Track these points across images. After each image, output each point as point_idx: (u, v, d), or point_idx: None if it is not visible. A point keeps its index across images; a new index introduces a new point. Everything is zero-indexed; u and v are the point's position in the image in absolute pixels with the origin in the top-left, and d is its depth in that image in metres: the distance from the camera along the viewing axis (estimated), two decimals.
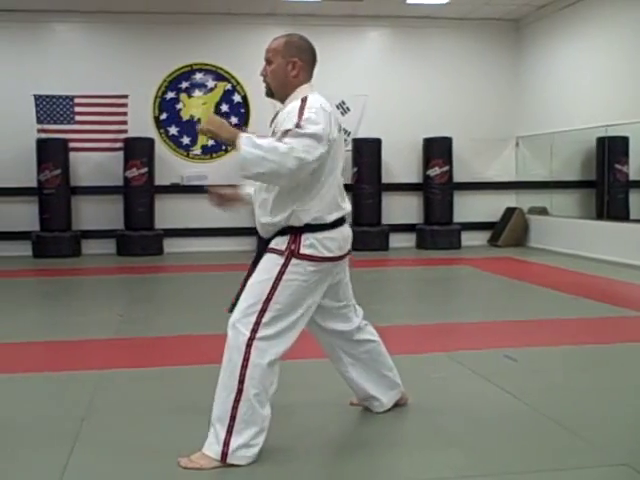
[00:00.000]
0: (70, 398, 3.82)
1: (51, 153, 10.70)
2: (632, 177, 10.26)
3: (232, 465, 2.88)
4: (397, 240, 11.56)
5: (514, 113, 11.81)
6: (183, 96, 11.41)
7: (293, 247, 2.98)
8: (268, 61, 3.20)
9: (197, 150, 11.45)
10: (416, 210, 11.86)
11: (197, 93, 11.44)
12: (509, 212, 11.63)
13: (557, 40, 10.96)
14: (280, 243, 3.02)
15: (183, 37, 11.30)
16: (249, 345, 2.93)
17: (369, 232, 11.24)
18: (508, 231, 11.39)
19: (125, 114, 11.19)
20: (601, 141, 10.40)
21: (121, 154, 10.95)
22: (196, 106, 11.42)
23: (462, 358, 4.47)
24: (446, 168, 11.46)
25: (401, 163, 11.79)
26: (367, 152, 11.40)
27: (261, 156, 2.77)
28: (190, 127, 11.36)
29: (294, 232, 3.00)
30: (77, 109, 11.08)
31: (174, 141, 11.40)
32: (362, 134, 11.58)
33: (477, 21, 11.82)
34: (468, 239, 11.46)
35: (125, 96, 11.14)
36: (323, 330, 3.33)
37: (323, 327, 3.31)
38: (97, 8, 10.82)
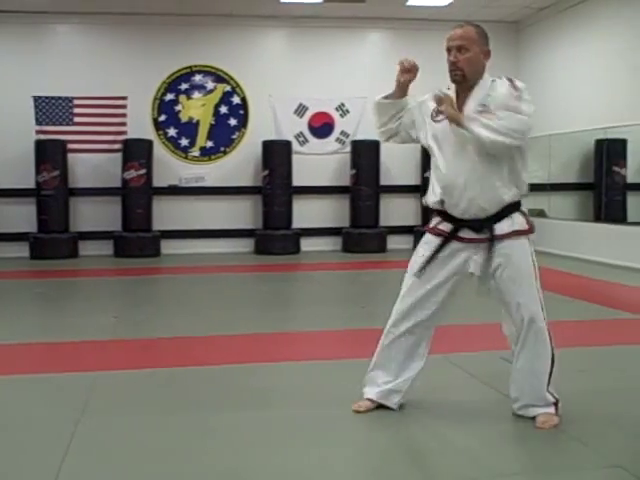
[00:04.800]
0: (65, 400, 3.81)
1: (50, 154, 10.69)
2: (630, 180, 10.26)
3: None
4: (395, 242, 11.56)
5: None
6: (182, 98, 11.40)
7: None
8: (463, 48, 3.29)
9: (195, 152, 11.44)
10: (414, 212, 11.86)
11: (196, 95, 11.44)
12: None
13: (556, 42, 10.96)
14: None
15: (183, 39, 11.30)
16: None
17: (367, 234, 11.26)
18: None
19: (124, 115, 11.18)
20: (599, 143, 10.40)
21: (119, 155, 10.94)
22: (195, 108, 11.43)
23: (459, 360, 4.47)
24: None
25: (399, 165, 11.79)
26: (366, 154, 11.41)
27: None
28: (189, 129, 11.37)
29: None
30: (76, 110, 11.08)
31: (173, 142, 11.39)
32: (361, 136, 11.58)
33: (478, 23, 11.79)
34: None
35: (124, 97, 11.14)
36: None
37: None
38: (97, 9, 10.82)
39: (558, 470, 2.88)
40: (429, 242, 3.38)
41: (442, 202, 3.32)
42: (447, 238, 3.31)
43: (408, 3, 10.75)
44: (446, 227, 3.34)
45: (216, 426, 3.38)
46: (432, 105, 3.37)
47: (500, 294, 3.32)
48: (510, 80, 3.25)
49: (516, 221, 3.27)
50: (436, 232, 3.37)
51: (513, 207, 3.27)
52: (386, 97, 3.49)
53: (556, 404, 3.34)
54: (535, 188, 12.51)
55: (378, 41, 12.01)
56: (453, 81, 3.31)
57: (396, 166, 11.78)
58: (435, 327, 3.50)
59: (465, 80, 3.27)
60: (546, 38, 11.27)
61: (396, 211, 11.77)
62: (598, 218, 10.07)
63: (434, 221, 3.41)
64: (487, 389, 3.92)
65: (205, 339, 5.29)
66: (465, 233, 3.29)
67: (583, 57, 10.29)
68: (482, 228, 3.25)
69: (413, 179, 11.87)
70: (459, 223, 3.29)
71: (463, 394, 3.88)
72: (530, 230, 3.30)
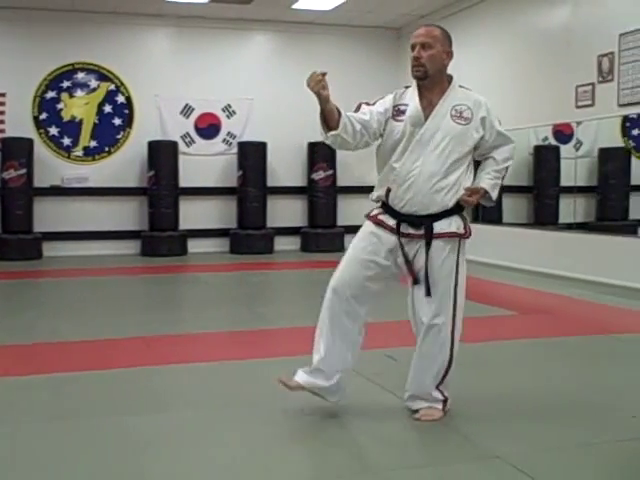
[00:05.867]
0: None
1: None
2: (507, 182, 10.66)
3: None
4: (282, 243, 11.65)
5: None
6: (64, 96, 11.10)
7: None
8: (427, 45, 3.35)
9: (79, 151, 11.16)
10: (301, 213, 11.99)
11: (79, 93, 11.15)
12: None
13: None
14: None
15: (65, 35, 10.99)
16: None
17: (254, 235, 11.29)
18: None
19: (2, 113, 10.78)
20: None
21: None
22: (78, 106, 11.14)
23: None
24: (330, 172, 11.66)
25: (286, 167, 11.89)
26: (252, 155, 11.44)
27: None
28: (72, 128, 11.09)
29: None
30: None
31: (54, 142, 11.07)
32: (248, 137, 11.62)
33: (361, 28, 12.08)
34: (351, 242, 11.62)
35: (2, 94, 10.73)
36: None
37: None
38: None
39: (441, 463, 2.98)
40: (375, 233, 3.42)
41: (387, 195, 3.38)
42: (393, 231, 3.37)
43: (294, 6, 10.86)
44: (386, 218, 3.40)
45: (106, 431, 3.34)
46: (393, 103, 3.43)
47: (416, 290, 3.41)
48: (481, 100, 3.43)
49: (454, 224, 3.38)
50: (376, 221, 3.42)
51: (454, 210, 3.38)
52: (330, 126, 3.37)
53: (444, 402, 3.46)
54: None
55: (264, 43, 12.06)
56: (415, 77, 3.40)
57: (283, 167, 11.87)
58: None
59: (427, 77, 3.36)
60: None
61: (283, 212, 11.86)
62: (477, 219, 10.47)
63: (375, 211, 3.47)
64: (372, 386, 4.02)
65: (91, 343, 5.19)
66: (404, 228, 3.37)
67: (461, 64, 10.61)
68: (420, 225, 3.33)
69: (300, 180, 12.00)
70: (400, 217, 3.36)
71: (349, 391, 3.97)
72: (465, 235, 3.41)
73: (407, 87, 3.50)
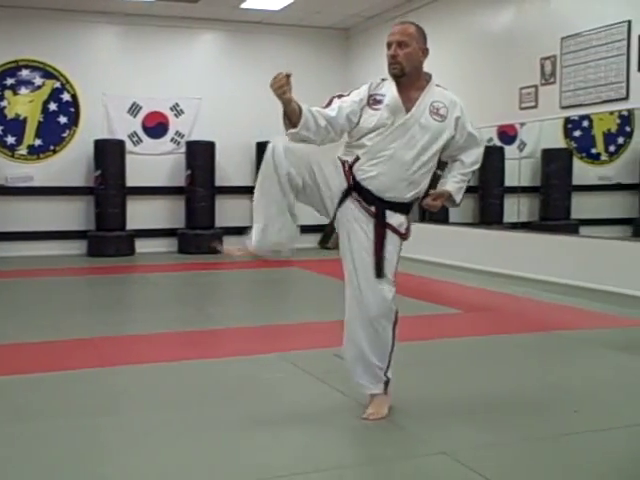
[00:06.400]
0: None
1: None
2: None
3: None
4: (230, 242, 11.57)
5: None
6: (8, 93, 10.90)
7: None
8: (403, 43, 3.42)
9: (23, 150, 10.98)
10: (249, 213, 11.91)
11: (23, 90, 10.97)
12: None
13: (383, 50, 11.31)
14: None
15: (9, 32, 10.80)
16: None
17: (202, 235, 11.25)
18: (337, 233, 11.72)
19: None
20: None
21: None
22: (22, 104, 10.97)
23: (294, 358, 4.60)
24: None
25: (235, 166, 11.88)
26: (201, 155, 11.41)
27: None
28: (16, 126, 10.91)
29: None
30: None
31: None
32: (196, 137, 11.57)
33: (309, 29, 12.12)
34: (299, 241, 11.65)
35: None
36: None
37: None
38: None
39: (389, 460, 3.02)
40: (338, 168, 3.43)
41: (354, 162, 3.41)
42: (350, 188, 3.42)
43: (242, 5, 10.85)
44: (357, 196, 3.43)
45: (55, 434, 3.31)
46: (368, 92, 3.46)
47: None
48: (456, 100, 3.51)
49: (400, 219, 3.44)
50: (343, 163, 3.44)
51: (406, 205, 3.45)
52: (292, 123, 3.37)
53: (386, 383, 3.51)
54: None
55: (213, 42, 12.03)
56: (392, 74, 3.45)
57: (231, 167, 11.85)
58: None
59: (403, 74, 3.41)
60: (373, 46, 11.69)
61: (232, 212, 11.84)
62: (422, 218, 10.59)
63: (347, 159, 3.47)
64: (321, 385, 4.06)
65: (38, 346, 5.12)
66: (355, 195, 3.43)
67: None
68: (372, 203, 3.41)
69: (248, 180, 11.95)
70: (357, 187, 3.40)
71: (298, 391, 4.00)
72: (403, 235, 3.48)
73: (383, 79, 3.53)
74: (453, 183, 3.52)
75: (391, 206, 3.41)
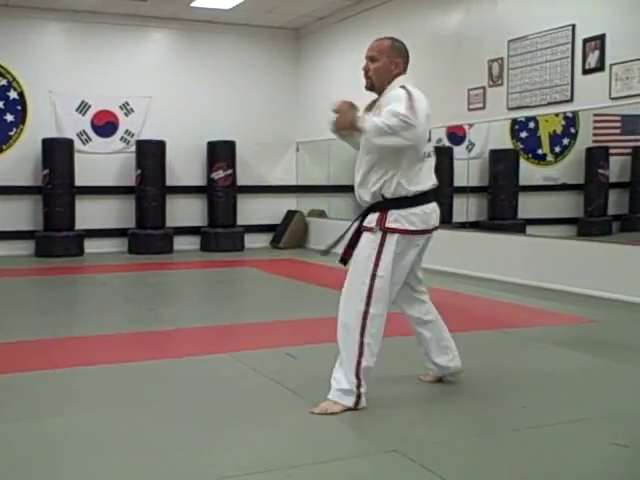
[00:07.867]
0: None
1: None
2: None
3: None
4: (181, 242, 11.57)
5: (295, 119, 12.19)
6: None
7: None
8: (374, 59, 3.67)
9: None
10: (200, 213, 11.94)
11: None
12: (290, 215, 12.02)
13: (334, 50, 11.47)
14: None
15: None
16: None
17: (153, 235, 11.18)
18: (289, 233, 11.79)
19: None
20: None
21: None
22: None
23: (246, 358, 4.60)
24: (230, 171, 11.65)
25: (185, 166, 11.82)
26: (151, 154, 11.32)
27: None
28: None
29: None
30: None
31: None
32: (146, 136, 11.48)
33: (260, 28, 12.11)
34: (251, 241, 11.70)
35: None
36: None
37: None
38: None
39: (341, 458, 3.04)
40: None
41: None
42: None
43: (192, 4, 10.81)
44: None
45: (6, 436, 3.28)
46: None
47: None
48: (404, 87, 3.55)
49: (370, 219, 3.63)
50: None
51: (374, 207, 3.64)
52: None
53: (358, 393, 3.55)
54: (316, 190, 13.10)
55: (163, 41, 11.94)
56: (365, 87, 3.74)
57: (182, 166, 11.79)
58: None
59: (373, 87, 3.69)
60: (324, 46, 11.78)
61: (182, 212, 11.79)
62: None
63: None
64: (273, 384, 4.07)
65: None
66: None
67: (358, 65, 10.83)
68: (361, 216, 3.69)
69: (199, 180, 11.95)
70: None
71: (250, 390, 4.02)
72: (368, 228, 3.62)
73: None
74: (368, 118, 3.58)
75: (367, 211, 3.68)
